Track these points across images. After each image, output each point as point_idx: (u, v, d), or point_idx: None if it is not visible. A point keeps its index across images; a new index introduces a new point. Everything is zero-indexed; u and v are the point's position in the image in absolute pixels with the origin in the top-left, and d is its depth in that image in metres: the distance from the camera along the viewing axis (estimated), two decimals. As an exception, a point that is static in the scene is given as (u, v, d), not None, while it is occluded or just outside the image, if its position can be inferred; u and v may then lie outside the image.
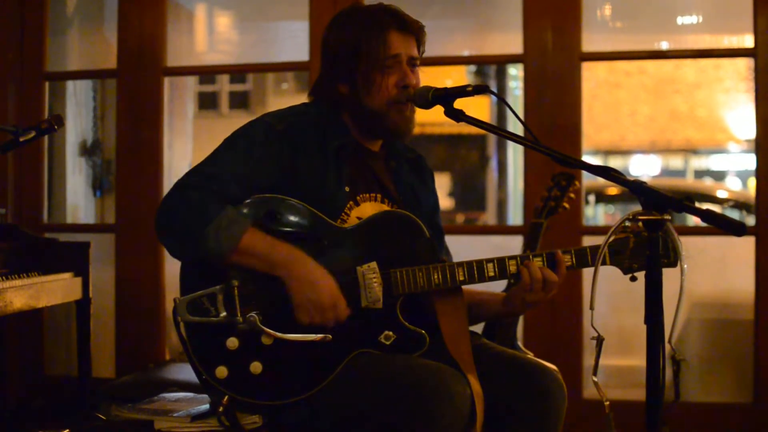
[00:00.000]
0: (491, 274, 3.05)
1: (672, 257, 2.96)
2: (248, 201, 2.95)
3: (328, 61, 3.22)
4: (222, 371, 2.88)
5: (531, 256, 3.06)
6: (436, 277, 3.01)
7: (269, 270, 2.88)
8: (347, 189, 3.11)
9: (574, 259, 3.08)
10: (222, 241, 2.83)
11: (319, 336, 2.87)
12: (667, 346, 2.49)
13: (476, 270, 3.04)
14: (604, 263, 3.04)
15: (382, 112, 3.11)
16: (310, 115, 3.18)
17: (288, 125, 3.09)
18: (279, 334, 2.85)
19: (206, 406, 3.09)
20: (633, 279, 3.00)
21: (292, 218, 2.98)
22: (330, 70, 3.21)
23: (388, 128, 3.15)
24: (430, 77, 3.19)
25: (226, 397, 2.90)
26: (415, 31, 3.17)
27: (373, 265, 2.98)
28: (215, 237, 2.82)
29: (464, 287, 3.15)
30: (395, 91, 3.10)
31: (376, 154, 3.27)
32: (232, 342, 2.88)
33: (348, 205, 3.10)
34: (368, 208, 3.14)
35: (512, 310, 3.20)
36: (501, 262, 3.05)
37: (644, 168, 20.92)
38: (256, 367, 2.88)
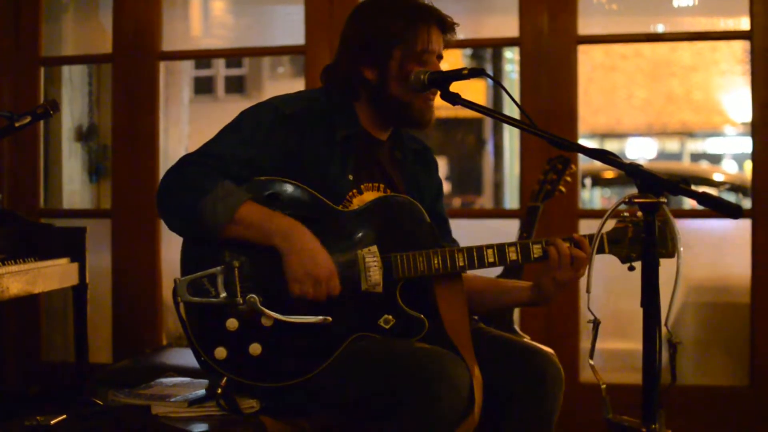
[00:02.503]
0: (491, 260, 3.05)
1: (669, 248, 2.95)
2: (249, 183, 2.95)
3: (357, 43, 3.20)
4: (221, 352, 2.88)
5: (531, 244, 3.06)
6: (436, 262, 3.01)
7: (266, 240, 2.88)
8: (351, 177, 3.12)
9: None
10: (218, 212, 2.82)
11: (319, 318, 2.87)
12: (664, 330, 2.49)
13: (476, 256, 3.04)
14: (602, 252, 3.04)
15: (409, 101, 3.12)
16: (319, 102, 3.18)
17: (296, 110, 3.10)
18: (279, 316, 2.85)
19: (203, 391, 3.09)
20: (631, 268, 2.98)
21: (293, 201, 2.99)
22: (357, 53, 3.18)
23: (413, 117, 3.17)
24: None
25: (225, 379, 2.91)
26: (449, 30, 3.20)
27: (374, 248, 2.99)
28: (212, 208, 2.82)
29: (488, 279, 3.16)
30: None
31: (382, 143, 3.28)
32: (232, 323, 2.88)
33: (351, 193, 3.11)
34: (371, 197, 3.14)
35: (543, 294, 3.13)
36: (500, 248, 3.05)
37: (640, 151, 20.92)
38: (255, 348, 2.89)
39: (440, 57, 3.19)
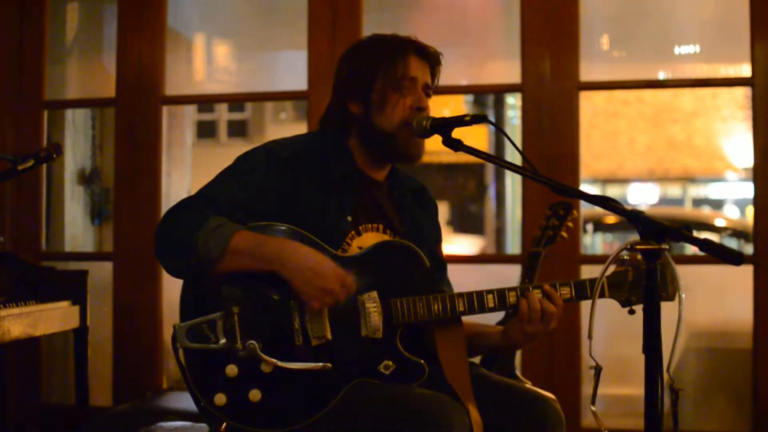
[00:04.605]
0: (491, 305, 3.04)
1: (670, 292, 2.96)
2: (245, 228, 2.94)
3: (342, 80, 3.24)
4: (221, 398, 2.87)
5: (531, 288, 3.06)
6: (436, 307, 3.00)
7: (263, 267, 2.86)
8: (349, 219, 3.11)
9: (573, 292, 3.07)
10: (211, 245, 2.82)
11: (319, 365, 2.86)
12: (666, 375, 2.48)
13: (476, 301, 3.03)
14: (602, 296, 3.03)
15: (393, 133, 3.12)
16: (314, 144, 3.19)
17: (291, 153, 3.10)
18: (279, 362, 2.84)
19: (204, 436, 3.08)
20: (631, 312, 2.98)
21: (292, 246, 2.97)
22: (344, 89, 3.22)
23: (397, 150, 3.16)
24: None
25: (224, 425, 2.90)
26: (432, 59, 3.21)
27: (374, 294, 2.98)
28: (204, 242, 2.81)
29: (463, 319, 3.15)
30: (409, 112, 3.11)
31: (380, 183, 3.28)
32: (232, 369, 2.87)
33: (350, 235, 3.10)
34: (370, 238, 3.13)
35: (511, 343, 3.18)
36: (501, 294, 3.05)
37: (642, 196, 20.97)
38: (255, 394, 2.87)
39: (428, 87, 3.21)
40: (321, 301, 2.86)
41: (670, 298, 2.93)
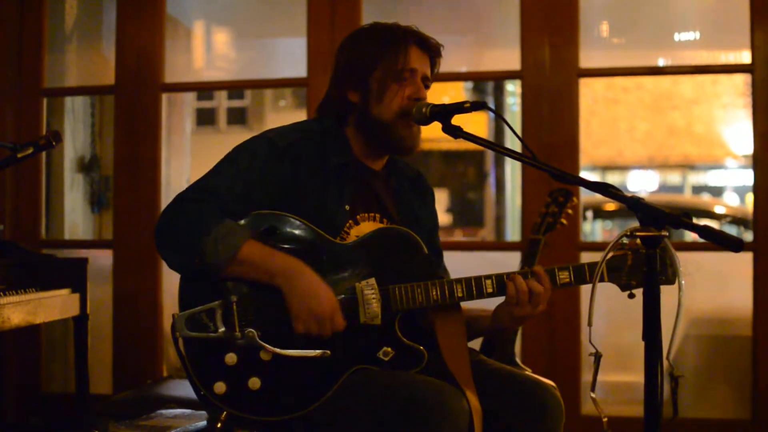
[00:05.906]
0: (490, 290, 3.03)
1: (669, 275, 2.95)
2: (247, 217, 2.95)
3: (342, 68, 3.23)
4: (220, 387, 2.87)
5: (530, 273, 3.05)
6: (434, 293, 3.00)
7: (268, 279, 2.87)
8: (347, 208, 3.11)
9: (572, 276, 3.07)
10: (220, 251, 2.82)
11: (318, 352, 2.86)
12: (665, 362, 2.48)
13: (475, 286, 3.02)
14: (601, 280, 3.02)
15: (390, 123, 3.11)
16: (312, 132, 3.18)
17: (290, 142, 3.09)
18: (277, 350, 2.84)
19: (204, 423, 3.08)
20: (631, 296, 2.98)
21: (292, 234, 2.97)
22: (342, 77, 3.21)
23: (393, 141, 3.15)
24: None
25: (225, 413, 2.90)
26: (433, 51, 3.21)
27: (372, 281, 2.97)
28: (213, 247, 2.81)
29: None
30: (407, 102, 3.10)
31: (377, 173, 3.27)
32: (231, 358, 2.87)
33: (347, 224, 3.10)
34: (367, 228, 3.12)
35: (501, 325, 3.17)
36: (499, 279, 3.04)
37: (642, 184, 20.96)
38: (254, 382, 2.87)
39: (427, 79, 3.19)
40: (306, 325, 2.87)
41: (670, 282, 2.92)
